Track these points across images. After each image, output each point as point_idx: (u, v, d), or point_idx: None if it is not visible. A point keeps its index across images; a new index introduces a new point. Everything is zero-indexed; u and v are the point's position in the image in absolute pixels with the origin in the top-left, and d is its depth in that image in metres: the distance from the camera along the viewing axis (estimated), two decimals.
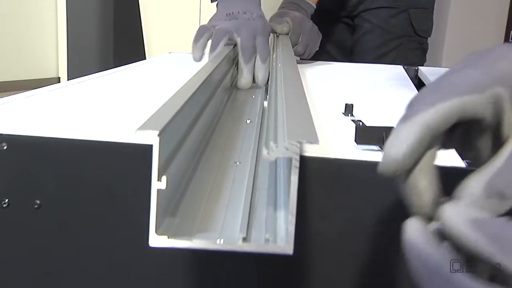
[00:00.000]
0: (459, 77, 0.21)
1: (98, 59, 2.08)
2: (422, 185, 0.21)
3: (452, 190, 0.33)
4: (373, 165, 0.33)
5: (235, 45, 0.55)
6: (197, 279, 0.34)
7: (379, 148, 0.36)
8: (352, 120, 0.46)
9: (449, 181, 0.33)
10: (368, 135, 0.36)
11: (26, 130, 0.35)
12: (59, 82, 2.17)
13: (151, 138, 0.19)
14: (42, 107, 0.45)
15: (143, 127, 0.19)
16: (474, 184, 0.21)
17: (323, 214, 0.33)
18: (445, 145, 0.23)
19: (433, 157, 0.22)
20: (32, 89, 0.49)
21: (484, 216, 0.18)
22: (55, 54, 2.37)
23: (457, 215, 0.18)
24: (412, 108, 0.20)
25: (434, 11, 1.03)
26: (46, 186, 0.34)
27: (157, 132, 0.19)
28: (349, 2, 0.98)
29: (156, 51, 1.88)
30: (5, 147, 0.33)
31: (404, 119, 0.20)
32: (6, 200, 0.34)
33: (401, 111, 0.52)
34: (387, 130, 0.36)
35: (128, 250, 0.34)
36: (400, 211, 0.33)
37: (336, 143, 0.37)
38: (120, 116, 0.42)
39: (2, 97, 0.44)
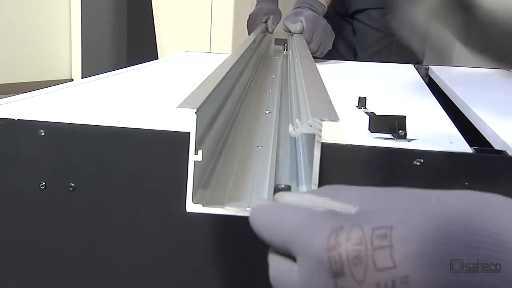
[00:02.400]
0: None
1: (112, 60, 2.12)
2: None
3: (460, 174, 0.35)
4: (385, 151, 0.35)
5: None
6: (225, 245, 0.36)
7: (392, 136, 0.38)
8: (365, 112, 0.48)
9: (458, 166, 0.35)
10: (381, 123, 0.38)
11: (62, 117, 0.37)
12: None
13: (189, 115, 0.22)
14: (76, 97, 0.48)
15: (182, 105, 0.22)
16: None
17: None
18: None
19: None
20: None
21: None
22: (69, 56, 2.42)
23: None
24: None
25: None
26: (80, 170, 0.36)
27: (195, 110, 0.22)
28: (344, 2, 1.02)
29: (168, 52, 1.91)
30: (43, 133, 0.36)
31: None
32: (43, 183, 0.36)
33: (411, 105, 0.54)
34: (399, 119, 0.38)
35: (156, 228, 0.36)
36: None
37: (351, 131, 0.39)
38: (148, 106, 0.45)
39: None
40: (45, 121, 0.36)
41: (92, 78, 0.59)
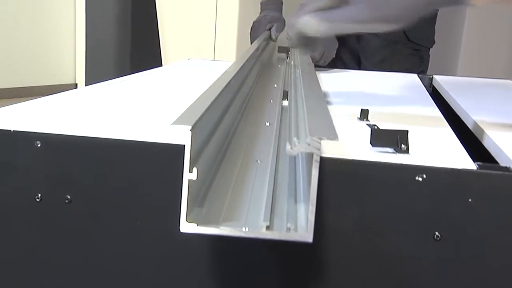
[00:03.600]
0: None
1: (116, 65, 2.13)
2: None
3: (464, 190, 0.34)
4: (387, 166, 0.34)
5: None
6: (221, 265, 0.35)
7: (394, 150, 0.37)
8: (367, 124, 0.47)
9: (461, 182, 0.34)
10: (383, 137, 0.38)
11: (59, 129, 0.37)
12: (76, 88, 2.22)
13: (184, 132, 0.21)
14: (74, 107, 0.47)
15: (177, 121, 0.21)
16: None
17: (340, 211, 0.35)
18: None
19: None
20: (51, 94, 0.52)
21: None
22: (73, 61, 2.43)
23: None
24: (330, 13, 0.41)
25: (449, 22, 1.05)
26: (76, 182, 0.36)
27: (190, 127, 0.21)
28: None
29: (172, 58, 1.91)
30: (39, 145, 0.36)
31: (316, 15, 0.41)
32: (39, 195, 0.36)
33: (414, 117, 0.53)
34: (401, 133, 0.38)
35: (154, 242, 0.36)
36: (411, 209, 0.34)
37: (352, 145, 0.39)
38: (146, 118, 0.45)
39: (20, 102, 0.47)
40: (42, 133, 0.36)
41: (92, 87, 0.59)
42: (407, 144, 0.37)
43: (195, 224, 0.21)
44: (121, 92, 0.58)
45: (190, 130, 0.21)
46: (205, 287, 0.36)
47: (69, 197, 0.36)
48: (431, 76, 0.85)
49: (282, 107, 0.44)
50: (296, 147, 0.21)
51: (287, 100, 0.42)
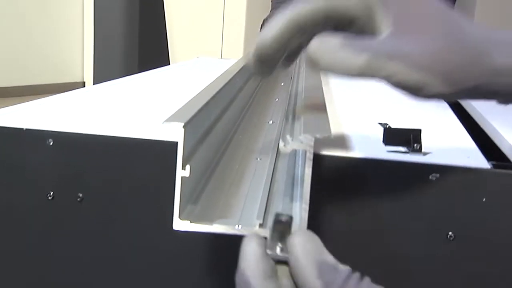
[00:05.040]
0: None
1: (123, 64, 2.17)
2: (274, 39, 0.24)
3: (478, 190, 0.34)
4: (400, 164, 0.34)
5: None
6: (215, 263, 0.36)
7: (407, 149, 0.37)
8: (379, 123, 0.47)
9: (475, 181, 0.34)
10: (396, 136, 0.38)
11: (71, 127, 0.38)
12: (84, 86, 2.27)
13: (176, 129, 0.22)
14: (85, 106, 0.49)
15: (170, 119, 0.22)
16: None
17: (349, 211, 0.35)
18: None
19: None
20: (58, 93, 0.54)
21: (331, 261, 0.20)
22: (81, 59, 2.49)
23: (304, 252, 0.20)
24: (286, 7, 0.24)
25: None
26: (88, 181, 0.37)
27: (182, 124, 0.22)
28: None
29: (179, 56, 1.94)
30: (51, 143, 0.37)
31: (279, 13, 0.24)
32: (51, 193, 0.37)
33: (426, 116, 0.53)
34: (414, 132, 0.38)
35: (166, 240, 0.37)
36: (424, 209, 0.34)
37: (364, 144, 0.39)
38: (156, 116, 0.46)
39: (28, 100, 0.48)
40: (54, 131, 0.37)
41: (101, 85, 0.61)
42: (420, 143, 0.38)
43: (189, 221, 0.22)
44: (131, 91, 0.60)
45: (183, 127, 0.22)
46: (210, 284, 0.36)
47: (81, 195, 0.37)
48: None
49: (288, 105, 0.44)
50: (289, 144, 0.22)
51: (293, 96, 0.43)
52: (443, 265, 0.35)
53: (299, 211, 0.22)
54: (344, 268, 0.20)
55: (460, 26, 0.23)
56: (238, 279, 0.20)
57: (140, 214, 0.37)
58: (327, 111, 0.29)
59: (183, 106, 0.24)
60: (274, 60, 0.25)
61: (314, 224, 0.22)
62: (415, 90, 0.23)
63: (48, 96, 0.51)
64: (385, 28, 0.24)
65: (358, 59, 0.22)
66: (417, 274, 0.35)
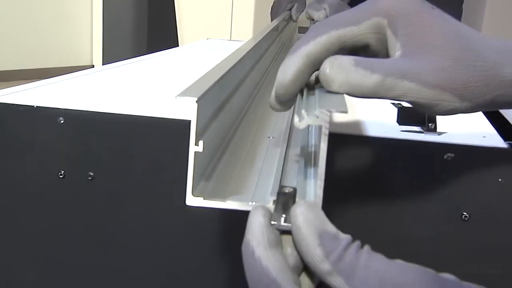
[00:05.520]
0: (340, 15, 0.25)
1: (132, 47, 2.16)
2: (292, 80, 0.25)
3: (494, 170, 0.33)
4: (415, 144, 0.34)
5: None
6: (228, 240, 0.36)
7: (421, 129, 0.37)
8: (392, 103, 0.47)
9: (491, 161, 0.33)
10: (410, 115, 0.38)
11: (82, 105, 0.38)
12: None
13: (189, 104, 0.22)
14: (96, 85, 0.49)
15: (183, 94, 0.22)
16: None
17: (362, 191, 0.35)
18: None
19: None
20: None
21: (332, 230, 0.20)
22: (90, 42, 2.49)
23: (305, 222, 0.20)
24: (298, 44, 0.25)
25: (470, 11, 1.00)
26: (99, 159, 0.37)
27: (196, 99, 0.22)
28: None
29: (188, 38, 1.92)
30: (62, 121, 0.37)
31: (291, 52, 0.25)
32: (62, 172, 0.38)
33: None
34: None
35: (175, 218, 0.37)
36: (439, 189, 0.34)
37: (378, 123, 0.39)
38: (166, 95, 0.46)
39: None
40: (65, 109, 0.37)
41: (112, 65, 0.61)
42: (435, 122, 0.37)
43: (201, 198, 0.22)
44: (141, 71, 0.60)
45: (196, 101, 0.22)
46: (223, 261, 0.37)
47: (92, 174, 0.37)
48: None
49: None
50: (304, 119, 0.22)
51: None
52: (457, 246, 0.35)
53: (314, 188, 0.22)
54: (345, 237, 0.20)
55: (471, 40, 0.24)
56: (244, 249, 0.20)
57: (152, 193, 0.37)
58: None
59: (195, 82, 0.24)
60: (294, 96, 0.25)
61: (326, 203, 0.22)
62: (430, 108, 0.24)
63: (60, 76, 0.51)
64: (396, 50, 0.24)
65: (371, 77, 0.23)
66: (431, 255, 0.35)
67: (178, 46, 1.63)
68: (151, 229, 0.38)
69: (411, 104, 0.24)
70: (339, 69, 0.23)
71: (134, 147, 0.37)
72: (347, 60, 0.23)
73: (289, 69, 0.24)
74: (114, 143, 0.37)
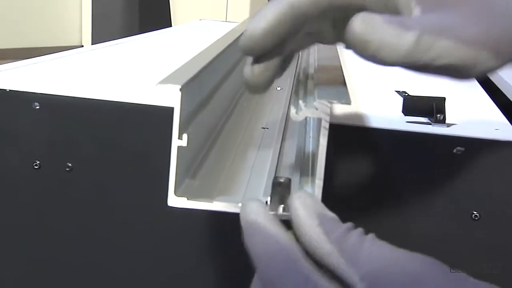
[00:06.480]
0: None
1: (123, 26, 2.13)
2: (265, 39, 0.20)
3: (507, 166, 0.32)
4: (422, 136, 0.33)
5: None
6: (215, 240, 0.35)
7: (428, 120, 0.35)
8: (397, 91, 0.45)
9: (504, 156, 0.32)
10: (417, 106, 0.36)
11: (59, 89, 0.36)
12: None
13: (172, 92, 0.20)
14: (74, 68, 0.47)
15: (165, 81, 0.20)
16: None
17: (364, 188, 0.33)
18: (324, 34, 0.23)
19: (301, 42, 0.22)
20: None
21: (332, 215, 0.19)
22: (79, 22, 2.45)
23: (304, 206, 0.19)
24: None
25: None
26: (78, 149, 0.35)
27: (179, 87, 0.20)
28: None
29: (182, 19, 1.89)
30: (37, 107, 0.35)
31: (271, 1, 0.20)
32: (38, 162, 0.36)
33: (448, 86, 0.50)
34: (437, 101, 0.36)
35: (158, 212, 0.35)
36: (447, 185, 0.33)
37: (382, 114, 0.37)
38: (153, 80, 0.44)
39: None
40: (41, 93, 0.35)
41: (97, 46, 0.58)
42: (444, 113, 0.35)
43: (185, 198, 0.20)
44: (128, 53, 0.57)
45: (180, 90, 0.20)
46: (210, 262, 0.35)
47: (70, 164, 0.36)
48: None
49: (296, 73, 0.42)
50: (302, 111, 0.20)
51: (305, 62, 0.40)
52: (466, 247, 0.34)
53: (312, 187, 0.20)
54: (347, 223, 0.19)
55: None
56: (245, 227, 0.19)
57: (134, 186, 0.35)
58: (343, 74, 0.26)
59: (180, 67, 0.22)
60: (266, 54, 0.21)
61: (327, 200, 0.20)
62: (466, 70, 0.20)
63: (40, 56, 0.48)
64: (412, 7, 0.21)
65: (406, 36, 0.19)
66: (438, 255, 0.34)
67: (171, 26, 1.60)
68: (135, 225, 0.36)
69: (444, 68, 0.20)
70: (374, 28, 0.19)
71: (117, 136, 0.35)
72: (378, 17, 0.19)
73: (265, 16, 0.20)
74: (94, 132, 0.35)
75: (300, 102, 0.20)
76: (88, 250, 0.37)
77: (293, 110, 0.20)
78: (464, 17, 0.20)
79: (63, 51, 0.52)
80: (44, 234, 0.37)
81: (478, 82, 0.53)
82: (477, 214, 0.33)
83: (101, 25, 2.20)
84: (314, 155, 0.23)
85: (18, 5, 2.32)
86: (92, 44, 2.35)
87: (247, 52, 0.21)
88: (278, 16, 0.20)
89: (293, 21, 0.20)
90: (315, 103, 0.19)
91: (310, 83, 0.24)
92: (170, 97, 0.20)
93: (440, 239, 0.34)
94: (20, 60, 0.45)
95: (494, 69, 0.21)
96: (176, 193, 0.20)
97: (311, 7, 0.20)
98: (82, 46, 2.53)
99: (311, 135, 0.26)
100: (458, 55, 0.20)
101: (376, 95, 0.44)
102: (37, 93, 0.35)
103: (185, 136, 0.20)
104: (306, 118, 0.27)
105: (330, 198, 0.21)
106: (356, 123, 0.33)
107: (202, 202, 0.20)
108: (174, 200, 0.20)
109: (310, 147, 0.25)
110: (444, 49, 0.19)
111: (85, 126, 0.35)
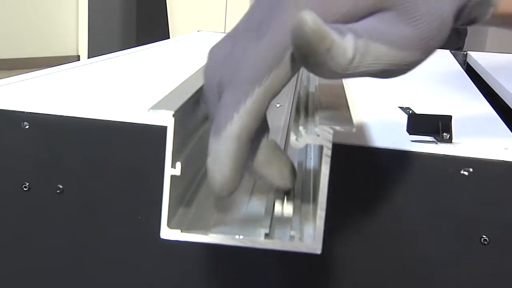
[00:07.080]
0: (250, 62, 0.20)
1: (120, 37, 2.13)
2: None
3: None
4: (428, 157, 0.32)
5: None
6: (214, 274, 0.34)
7: (434, 139, 0.35)
8: (401, 108, 0.44)
9: None
10: (422, 124, 0.36)
11: (49, 108, 0.35)
12: (79, 60, 2.25)
13: (165, 118, 0.19)
14: (66, 85, 0.46)
15: (157, 106, 0.19)
16: None
17: (366, 211, 0.33)
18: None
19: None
20: (51, 66, 0.51)
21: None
22: (75, 32, 2.46)
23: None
24: (219, 120, 0.19)
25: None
26: (69, 170, 0.35)
27: (172, 112, 0.19)
28: None
29: (180, 30, 1.90)
30: (27, 126, 0.34)
31: (216, 134, 0.19)
32: (27, 184, 0.35)
33: (452, 100, 0.49)
34: (443, 119, 0.35)
35: (154, 236, 0.34)
36: (455, 208, 0.32)
37: (385, 132, 0.36)
38: (146, 97, 0.43)
39: (19, 74, 0.46)
40: (30, 112, 0.35)
41: (92, 60, 0.58)
42: (450, 132, 0.35)
43: (179, 230, 0.19)
44: (124, 67, 0.57)
45: (173, 116, 0.19)
46: None
47: (60, 186, 0.35)
48: (465, 53, 0.81)
49: (297, 87, 0.41)
50: (303, 138, 0.19)
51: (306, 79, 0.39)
52: (475, 273, 0.33)
53: (313, 219, 0.20)
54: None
55: None
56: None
57: (129, 210, 0.34)
58: (345, 94, 0.26)
59: (173, 90, 0.21)
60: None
61: (330, 223, 0.19)
62: (398, 72, 0.21)
63: (30, 72, 0.48)
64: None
65: (346, 38, 0.19)
66: (444, 281, 0.33)
67: (169, 37, 1.60)
68: (128, 250, 0.35)
69: (379, 72, 0.20)
70: (323, 25, 0.18)
71: (110, 157, 0.34)
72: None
73: (224, 165, 0.19)
74: (86, 152, 0.34)
75: (301, 128, 0.19)
76: (78, 275, 0.36)
77: (293, 137, 0.19)
78: (396, 18, 0.20)
79: (59, 61, 0.52)
80: (33, 258, 0.36)
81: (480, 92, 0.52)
82: (487, 238, 0.32)
83: (98, 35, 2.21)
84: (316, 180, 0.22)
85: (15, 16, 2.34)
86: (88, 54, 2.35)
87: (226, 196, 0.20)
88: (233, 156, 0.19)
89: (247, 145, 0.19)
90: (317, 129, 0.19)
91: (311, 104, 0.23)
92: (164, 123, 0.19)
93: (447, 263, 0.33)
94: (15, 70, 0.44)
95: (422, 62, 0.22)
96: (169, 224, 0.20)
97: (255, 124, 0.20)
98: (79, 56, 2.53)
99: (312, 160, 0.25)
100: (392, 60, 0.20)
101: (378, 112, 0.43)
102: (26, 112, 0.35)
103: (178, 164, 0.19)
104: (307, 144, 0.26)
105: (331, 220, 0.20)
106: (358, 142, 0.33)
107: (197, 235, 0.20)
108: (167, 233, 0.19)
109: (311, 174, 0.24)
110: (379, 54, 0.19)
111: (76, 147, 0.34)
